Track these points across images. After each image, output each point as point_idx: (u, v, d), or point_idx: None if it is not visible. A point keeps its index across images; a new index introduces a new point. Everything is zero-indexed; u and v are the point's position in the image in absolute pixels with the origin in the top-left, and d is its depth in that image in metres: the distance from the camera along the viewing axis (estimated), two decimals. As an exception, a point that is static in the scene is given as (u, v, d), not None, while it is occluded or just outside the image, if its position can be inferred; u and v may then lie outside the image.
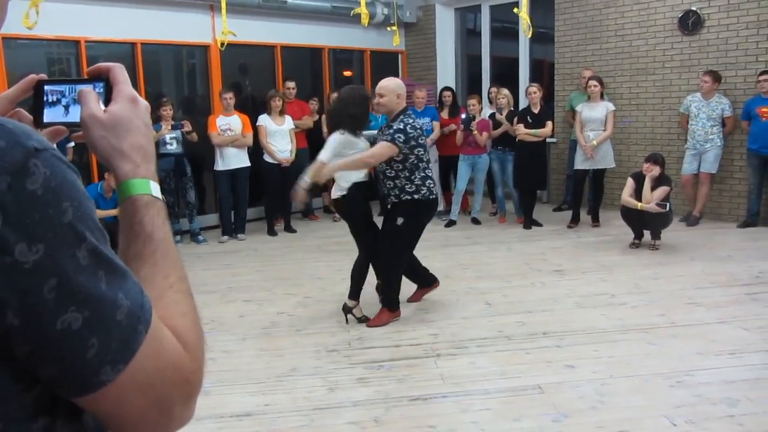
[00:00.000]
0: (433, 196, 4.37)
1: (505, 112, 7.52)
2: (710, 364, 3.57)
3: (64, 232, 0.59)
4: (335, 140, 4.36)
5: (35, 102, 0.82)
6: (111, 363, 0.62)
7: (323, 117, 8.22)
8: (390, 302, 4.47)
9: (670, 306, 4.57)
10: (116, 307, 0.62)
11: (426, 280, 4.82)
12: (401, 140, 4.15)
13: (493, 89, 8.20)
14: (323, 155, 4.33)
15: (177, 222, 7.17)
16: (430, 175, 4.35)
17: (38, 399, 0.62)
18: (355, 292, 4.51)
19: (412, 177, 4.27)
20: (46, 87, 0.82)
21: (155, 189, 0.78)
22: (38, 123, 0.82)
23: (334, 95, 4.47)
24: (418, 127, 4.27)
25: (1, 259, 0.56)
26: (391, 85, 4.31)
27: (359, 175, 4.43)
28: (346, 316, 4.47)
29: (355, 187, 4.40)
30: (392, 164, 4.27)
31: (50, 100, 0.82)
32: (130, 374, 0.63)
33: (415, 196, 4.29)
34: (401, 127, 4.19)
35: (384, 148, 4.17)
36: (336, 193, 4.49)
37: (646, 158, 6.26)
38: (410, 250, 4.49)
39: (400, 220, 4.30)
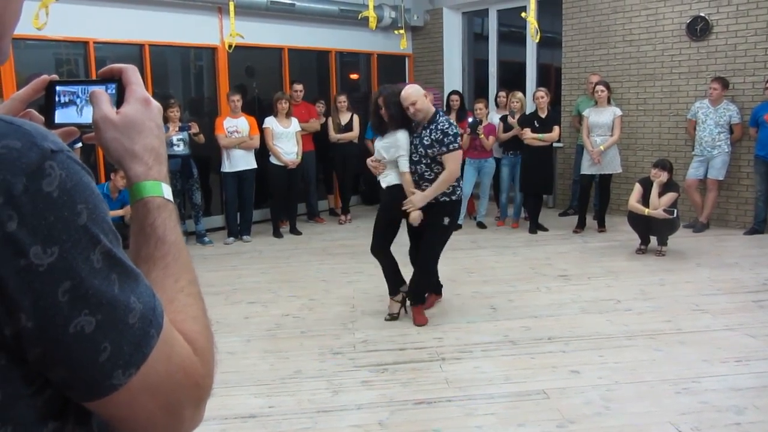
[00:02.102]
0: (460, 196, 4.55)
1: (517, 116, 7.51)
2: (717, 371, 3.55)
3: (78, 235, 0.59)
4: (404, 139, 4.40)
5: (47, 103, 0.82)
6: (123, 367, 0.61)
7: (329, 119, 8.27)
8: (420, 298, 4.56)
9: (676, 312, 4.55)
10: (129, 310, 0.62)
11: (437, 287, 4.88)
12: (460, 141, 4.43)
13: (502, 93, 8.19)
14: (403, 164, 4.38)
15: (183, 223, 7.18)
16: (459, 175, 4.51)
17: (49, 402, 0.62)
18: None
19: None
20: (57, 88, 0.82)
21: (167, 191, 0.78)
22: (49, 124, 0.81)
23: (380, 99, 4.41)
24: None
25: (16, 260, 0.56)
26: (417, 91, 4.35)
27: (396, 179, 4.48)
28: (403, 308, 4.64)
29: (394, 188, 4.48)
30: (434, 167, 4.34)
31: (62, 101, 0.82)
32: (142, 378, 0.63)
33: (452, 197, 4.40)
34: (452, 130, 4.32)
35: (458, 156, 4.35)
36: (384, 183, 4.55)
37: (654, 164, 6.24)
38: (443, 247, 4.60)
39: (446, 220, 4.40)
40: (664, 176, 6.07)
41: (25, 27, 5.43)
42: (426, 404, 3.28)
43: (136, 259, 0.74)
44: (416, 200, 4.32)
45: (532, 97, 7.71)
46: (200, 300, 0.77)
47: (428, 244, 4.47)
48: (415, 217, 4.34)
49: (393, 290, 4.60)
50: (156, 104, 0.81)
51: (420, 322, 4.44)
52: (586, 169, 7.25)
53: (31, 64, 6.61)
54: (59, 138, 0.63)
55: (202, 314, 0.76)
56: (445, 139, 4.25)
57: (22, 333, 0.57)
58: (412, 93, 4.31)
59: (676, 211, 6.08)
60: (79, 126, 0.82)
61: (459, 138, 4.37)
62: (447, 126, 4.29)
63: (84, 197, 0.60)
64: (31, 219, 0.56)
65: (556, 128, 7.31)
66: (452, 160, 4.28)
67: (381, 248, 4.58)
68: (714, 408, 3.13)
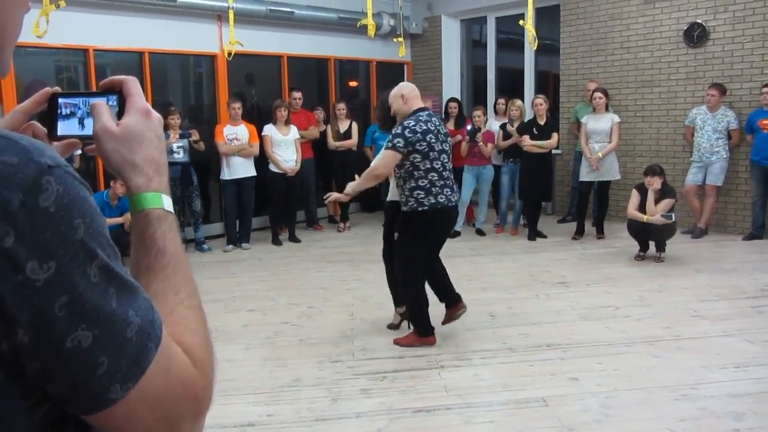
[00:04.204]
0: (423, 208, 4.02)
1: (516, 124, 7.53)
2: (715, 378, 3.55)
3: (75, 250, 0.59)
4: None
5: (49, 115, 0.82)
6: (121, 381, 0.62)
7: (329, 127, 8.29)
8: (416, 324, 4.22)
9: (674, 318, 4.55)
10: (126, 324, 0.62)
11: (450, 299, 4.41)
12: (401, 145, 3.96)
13: (501, 100, 8.22)
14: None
15: (182, 231, 7.19)
16: (422, 185, 4.00)
17: (47, 415, 0.62)
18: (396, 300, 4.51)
19: (405, 186, 4.07)
20: (60, 100, 0.83)
21: (167, 202, 0.78)
22: (52, 135, 0.82)
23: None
24: (421, 130, 3.96)
25: (13, 276, 0.56)
26: (393, 92, 4.18)
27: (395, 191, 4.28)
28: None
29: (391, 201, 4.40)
30: (395, 171, 4.12)
31: (64, 113, 0.83)
32: (140, 391, 0.63)
33: (404, 208, 4.10)
34: (399, 131, 4.00)
35: (385, 156, 4.01)
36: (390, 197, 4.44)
37: (645, 171, 6.25)
38: (414, 265, 4.14)
39: (396, 235, 4.21)
40: (657, 182, 6.09)
41: (25, 35, 5.42)
42: (425, 412, 3.28)
43: (137, 271, 0.75)
44: (347, 190, 4.32)
45: (531, 104, 7.74)
46: (200, 311, 0.77)
47: (395, 264, 4.28)
48: (331, 199, 4.47)
49: (395, 301, 4.52)
50: (157, 115, 0.82)
51: (398, 340, 4.23)
52: (585, 175, 7.27)
53: (32, 72, 6.63)
54: (57, 152, 0.63)
55: (202, 326, 0.76)
56: (390, 137, 4.06)
57: (20, 348, 0.57)
58: (390, 95, 4.21)
59: (674, 215, 6.10)
60: (81, 138, 0.83)
61: (399, 142, 3.94)
62: (400, 128, 4.00)
63: (81, 212, 0.61)
64: (27, 234, 0.56)
65: (555, 135, 7.33)
66: (380, 155, 4.08)
67: (390, 255, 4.43)
68: (713, 414, 3.13)
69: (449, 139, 4.25)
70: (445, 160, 4.09)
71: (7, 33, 0.70)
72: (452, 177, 4.21)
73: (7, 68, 0.71)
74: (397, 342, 4.23)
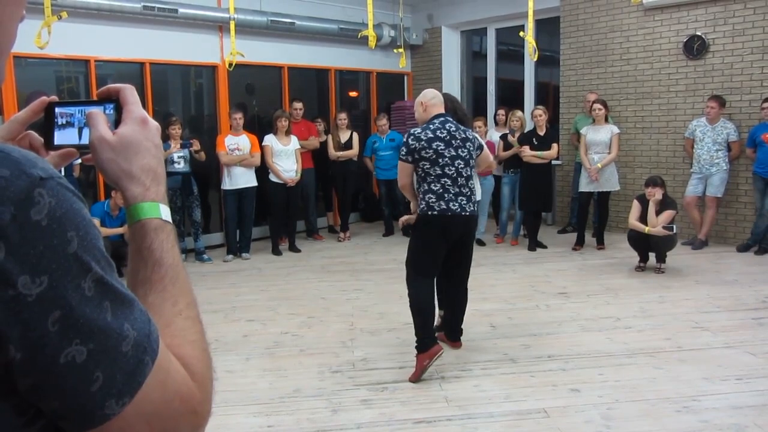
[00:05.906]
0: (433, 212, 3.95)
1: (517, 134, 7.54)
2: (717, 390, 3.53)
3: (68, 263, 0.58)
4: None
5: (46, 124, 0.82)
6: (116, 396, 0.60)
7: (329, 137, 8.31)
8: (418, 343, 3.90)
9: (676, 330, 4.54)
10: (122, 338, 0.61)
11: (448, 332, 4.39)
12: (403, 154, 4.03)
13: (501, 111, 8.24)
14: None
15: (182, 240, 7.19)
16: (435, 189, 3.96)
17: None
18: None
19: (420, 189, 4.07)
20: (56, 109, 0.82)
21: (165, 212, 0.77)
22: (49, 145, 0.81)
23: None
24: (426, 138, 3.94)
25: (4, 291, 0.55)
26: (418, 99, 4.24)
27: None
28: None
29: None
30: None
31: (61, 123, 0.82)
32: (136, 406, 0.62)
33: (418, 212, 4.11)
34: (404, 139, 4.08)
35: (399, 168, 4.10)
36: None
37: (646, 183, 6.25)
38: (417, 269, 4.02)
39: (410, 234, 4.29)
40: (658, 194, 6.09)
41: (27, 45, 5.48)
42: (426, 423, 3.26)
43: (133, 282, 0.74)
44: (412, 208, 4.29)
45: (531, 115, 7.76)
46: (198, 323, 0.76)
47: None
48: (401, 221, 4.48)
49: (439, 304, 4.36)
50: (154, 124, 0.80)
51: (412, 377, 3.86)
52: (585, 186, 7.27)
53: (33, 82, 6.65)
54: (54, 162, 0.62)
55: (200, 338, 0.75)
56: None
57: (11, 364, 0.56)
58: (415, 103, 4.29)
59: (675, 227, 6.09)
60: (78, 147, 0.82)
61: (403, 151, 4.01)
62: (406, 137, 4.07)
63: (75, 224, 0.59)
64: (19, 249, 0.55)
65: (555, 146, 7.34)
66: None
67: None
68: (715, 427, 3.11)
69: (470, 144, 4.09)
70: (461, 166, 4.02)
71: (3, 41, 0.69)
72: (471, 185, 4.12)
73: (2, 76, 0.71)
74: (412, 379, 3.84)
